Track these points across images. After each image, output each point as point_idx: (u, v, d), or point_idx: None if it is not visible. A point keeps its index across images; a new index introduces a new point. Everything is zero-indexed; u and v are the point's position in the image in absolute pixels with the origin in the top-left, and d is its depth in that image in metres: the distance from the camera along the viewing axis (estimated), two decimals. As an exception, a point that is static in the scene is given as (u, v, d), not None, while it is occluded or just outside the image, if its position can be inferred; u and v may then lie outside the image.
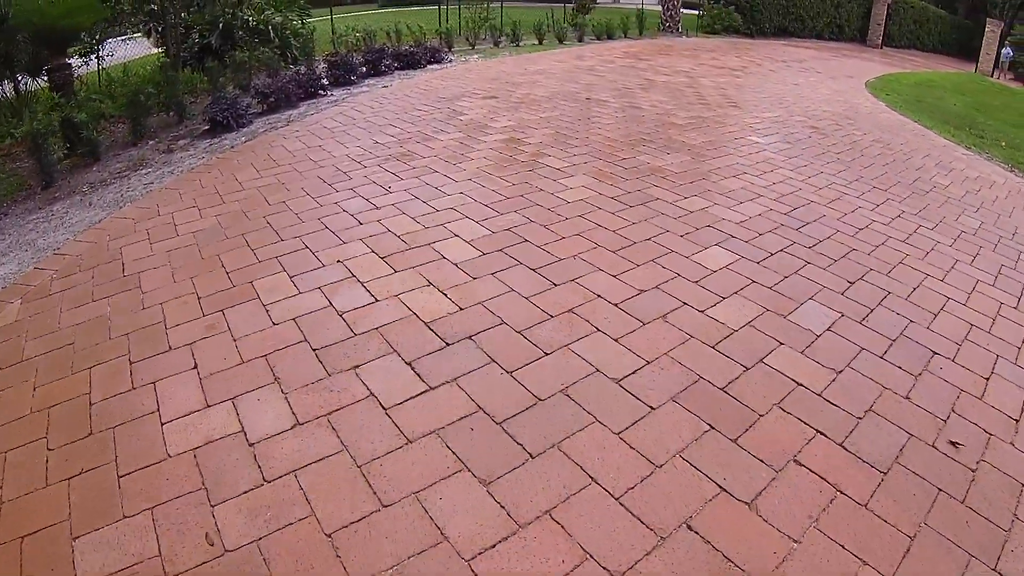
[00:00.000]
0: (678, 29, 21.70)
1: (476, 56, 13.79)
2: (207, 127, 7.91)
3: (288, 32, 12.13)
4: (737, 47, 19.57)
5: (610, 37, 18.92)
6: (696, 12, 25.01)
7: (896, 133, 9.51)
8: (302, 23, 13.41)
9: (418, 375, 3.16)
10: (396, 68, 11.98)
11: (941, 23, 32.33)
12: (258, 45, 10.95)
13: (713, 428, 2.87)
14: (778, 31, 25.63)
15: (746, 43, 21.52)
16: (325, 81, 10.36)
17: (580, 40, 17.95)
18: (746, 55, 17.34)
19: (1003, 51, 18.88)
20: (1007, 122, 14.20)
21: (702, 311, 3.80)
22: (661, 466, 2.64)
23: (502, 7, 19.36)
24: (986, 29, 25.95)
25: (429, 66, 12.46)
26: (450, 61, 13.03)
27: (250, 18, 11.28)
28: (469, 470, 2.58)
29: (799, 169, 6.84)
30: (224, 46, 10.76)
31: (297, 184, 5.75)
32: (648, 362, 3.30)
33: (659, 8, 22.33)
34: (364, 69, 11.40)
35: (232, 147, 7.12)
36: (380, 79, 11.04)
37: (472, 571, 2.18)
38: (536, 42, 16.94)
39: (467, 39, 15.48)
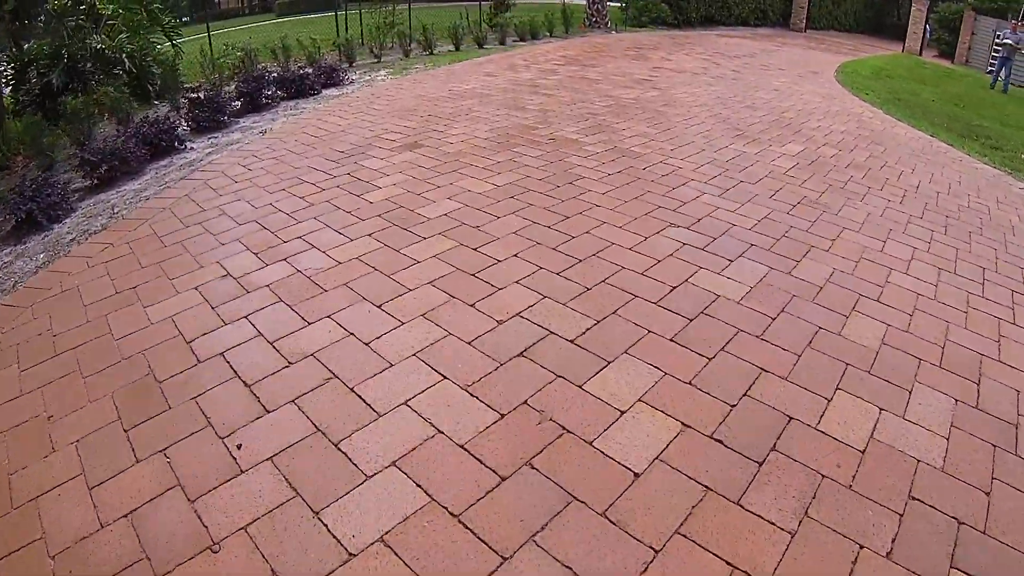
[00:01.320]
0: (606, 24, 18.97)
1: (384, 72, 10.62)
2: (13, 223, 4.68)
3: (149, 60, 8.78)
4: (676, 41, 16.99)
5: (535, 37, 16.00)
6: (618, 4, 22.38)
7: (944, 164, 7.07)
8: (173, 44, 10.00)
9: None
10: (282, 98, 8.77)
11: (857, 3, 31.04)
12: (106, 80, 7.60)
13: None
14: (704, 20, 23.33)
15: (680, 36, 18.99)
16: (185, 127, 7.12)
17: (502, 43, 14.95)
18: (693, 51, 14.76)
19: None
20: (994, 119, 12.17)
21: None
22: None
23: (410, 9, 16.13)
24: (912, 8, 24.40)
25: (325, 91, 9.25)
26: (351, 82, 9.83)
27: (101, 46, 7.88)
28: None
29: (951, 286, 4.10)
30: (71, 84, 7.40)
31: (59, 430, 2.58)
32: None
33: (583, 2, 19.54)
34: (239, 104, 8.17)
35: (17, 281, 3.88)
36: (260, 117, 7.81)
37: None
38: (453, 48, 13.87)
39: (371, 50, 12.28)
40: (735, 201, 4.99)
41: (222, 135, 7.02)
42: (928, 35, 25.59)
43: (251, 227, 4.34)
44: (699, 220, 4.58)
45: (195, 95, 7.48)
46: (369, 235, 4.16)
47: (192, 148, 6.54)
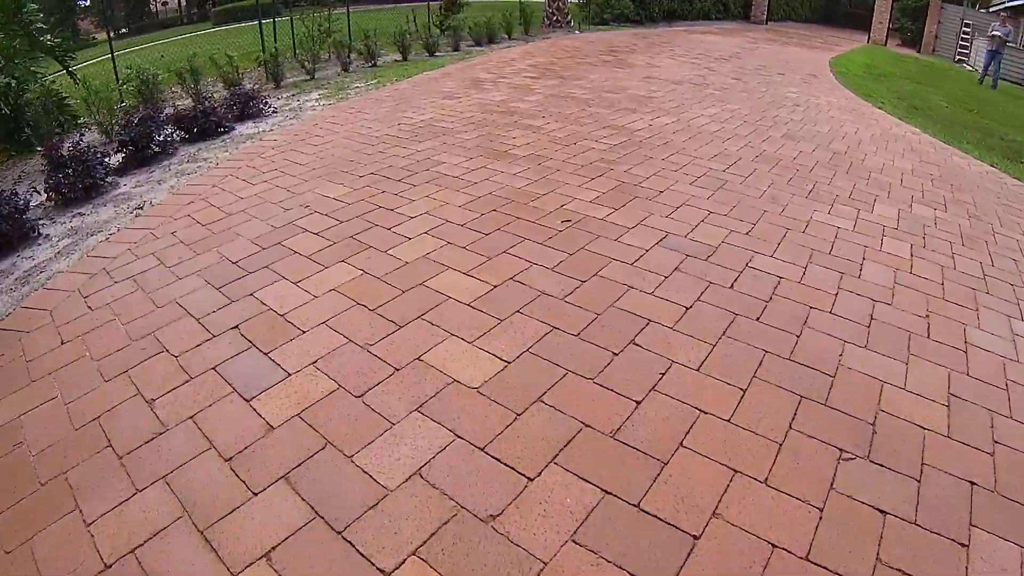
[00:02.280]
0: (568, 23, 16.74)
1: (316, 96, 8.19)
2: None
3: (25, 97, 6.38)
4: (648, 40, 14.87)
5: (492, 41, 13.67)
6: (576, 0, 20.17)
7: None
8: (68, 70, 7.45)
9: None
10: (183, 140, 6.39)
11: (812, -6, 29.71)
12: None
13: None
14: (667, 15, 21.32)
15: (649, 33, 16.89)
16: (42, 195, 4.78)
17: (456, 49, 12.58)
18: (673, 52, 12.65)
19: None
20: (1017, 127, 10.48)
21: None
22: None
23: (348, 14, 13.59)
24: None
25: (239, 127, 6.83)
26: (274, 112, 7.39)
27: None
28: None
29: None
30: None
31: None
32: None
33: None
34: (121, 157, 5.76)
35: None
36: (148, 174, 5.42)
37: None
38: (400, 57, 11.47)
39: (304, 65, 9.81)
40: (925, 383, 2.80)
41: (91, 209, 4.61)
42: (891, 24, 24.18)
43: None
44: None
45: (57, 153, 4.97)
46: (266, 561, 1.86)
47: (46, 238, 4.14)
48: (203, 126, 6.50)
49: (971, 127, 9.43)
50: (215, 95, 8.23)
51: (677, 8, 21.50)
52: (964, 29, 21.49)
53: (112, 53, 10.75)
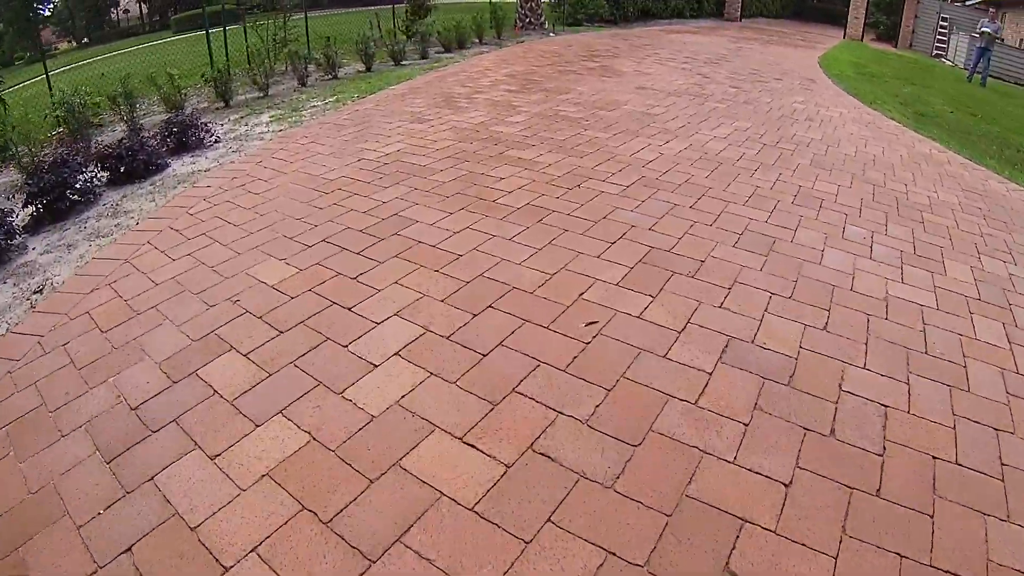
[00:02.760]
0: (542, 24, 15.65)
1: (267, 119, 7.00)
2: None
3: None
4: (628, 42, 13.86)
5: (462, 46, 12.54)
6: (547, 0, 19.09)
7: None
8: None
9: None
10: (108, 182, 5.25)
11: (782, -11, 29.04)
12: None
13: None
14: (641, 14, 20.34)
15: (627, 34, 15.89)
16: None
17: (424, 57, 11.42)
18: (658, 56, 11.64)
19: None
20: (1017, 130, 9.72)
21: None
22: None
23: (307, 19, 12.34)
24: (853, -5, 22.14)
25: (174, 163, 5.68)
26: (216, 143, 6.21)
27: None
28: None
29: None
30: None
31: None
32: None
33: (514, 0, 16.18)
34: (32, 211, 4.63)
35: None
36: (63, 232, 4.29)
37: None
38: (363, 68, 10.30)
39: (256, 80, 8.60)
40: None
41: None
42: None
43: None
44: None
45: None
46: None
47: None
48: (131, 166, 5.32)
49: (984, 137, 8.57)
50: (157, 118, 7.07)
51: (652, 7, 20.53)
52: (941, 23, 20.86)
53: (47, 73, 9.42)
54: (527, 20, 15.35)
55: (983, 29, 14.61)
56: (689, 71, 10.19)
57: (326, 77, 9.66)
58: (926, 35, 21.47)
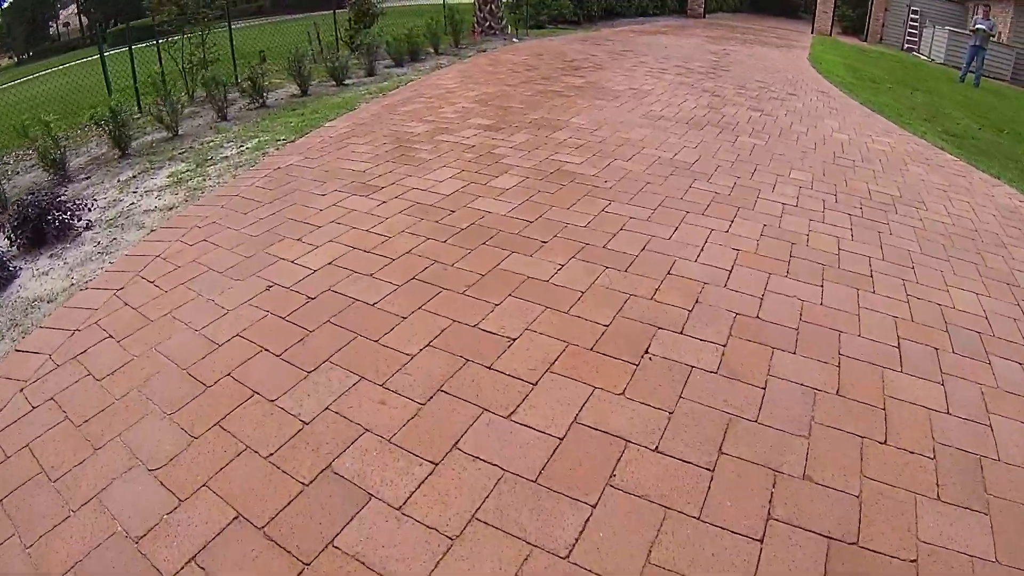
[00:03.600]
0: (504, 28, 13.54)
1: (162, 184, 4.74)
2: None
3: None
4: (602, 47, 11.85)
5: (416, 59, 10.38)
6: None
7: None
8: None
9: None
10: None
11: (742, -16, 27.46)
12: None
13: None
14: (606, 13, 18.39)
15: (598, 37, 13.87)
16: None
17: (371, 73, 9.23)
18: (642, 63, 9.66)
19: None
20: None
21: None
22: None
23: (231, 34, 9.95)
24: (822, -14, 20.55)
25: (25, 274, 3.51)
26: (86, 229, 4.04)
27: None
28: None
29: None
30: None
31: None
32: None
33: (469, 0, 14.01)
34: None
35: None
36: None
37: None
38: (298, 91, 8.08)
39: (163, 119, 6.29)
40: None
41: None
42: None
43: None
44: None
45: None
46: None
47: None
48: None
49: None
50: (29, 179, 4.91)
51: (616, 5, 18.59)
52: (911, 17, 19.41)
53: None
54: (487, 24, 13.22)
55: (977, 26, 13.06)
56: (692, 86, 8.23)
57: (252, 106, 7.43)
58: (896, 28, 20.01)
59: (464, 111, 6.40)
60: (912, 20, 19.35)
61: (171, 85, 7.46)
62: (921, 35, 18.92)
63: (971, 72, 13.41)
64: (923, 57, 17.80)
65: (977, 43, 13.05)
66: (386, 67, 9.82)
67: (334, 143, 5.37)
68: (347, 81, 8.75)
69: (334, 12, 11.80)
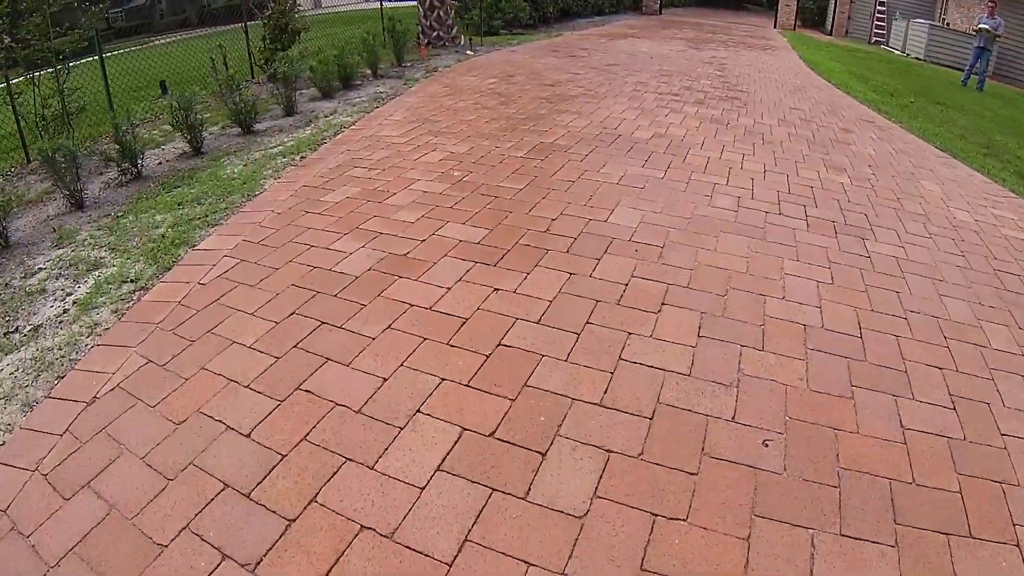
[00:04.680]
0: (455, 38, 10.92)
1: None
2: None
3: None
4: (579, 59, 9.41)
5: (348, 85, 7.77)
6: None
7: None
8: None
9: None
10: None
11: (692, -23, 25.41)
12: None
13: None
14: (561, 13, 15.94)
15: (562, 44, 11.38)
16: None
17: (290, 111, 6.59)
18: (638, 79, 7.27)
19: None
20: None
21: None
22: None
23: (103, 63, 6.97)
24: (785, -20, 18.56)
25: None
26: None
27: None
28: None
29: None
30: None
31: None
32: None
33: (411, 3, 11.31)
34: None
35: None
36: None
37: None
38: (188, 148, 5.42)
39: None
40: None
41: None
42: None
43: None
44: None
45: None
46: None
47: None
48: None
49: None
50: None
51: (572, 5, 16.16)
52: (879, 9, 17.63)
53: None
54: (434, 34, 10.58)
55: (981, 25, 11.22)
56: (727, 126, 5.88)
57: (122, 179, 4.76)
58: (862, 21, 18.22)
59: (426, 202, 3.87)
60: (879, 12, 17.59)
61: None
62: (890, 27, 17.19)
63: (974, 74, 11.61)
64: (896, 52, 16.05)
65: (981, 44, 11.24)
66: (311, 100, 7.20)
67: (202, 316, 2.78)
68: (257, 126, 6.14)
69: (245, 28, 8.93)
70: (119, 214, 4.00)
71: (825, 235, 3.60)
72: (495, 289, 2.84)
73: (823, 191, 4.30)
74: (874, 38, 17.76)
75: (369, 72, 8.41)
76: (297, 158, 4.88)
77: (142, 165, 4.89)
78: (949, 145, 6.15)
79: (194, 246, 3.40)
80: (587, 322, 2.60)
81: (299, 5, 8.78)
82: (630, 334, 2.53)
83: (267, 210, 3.81)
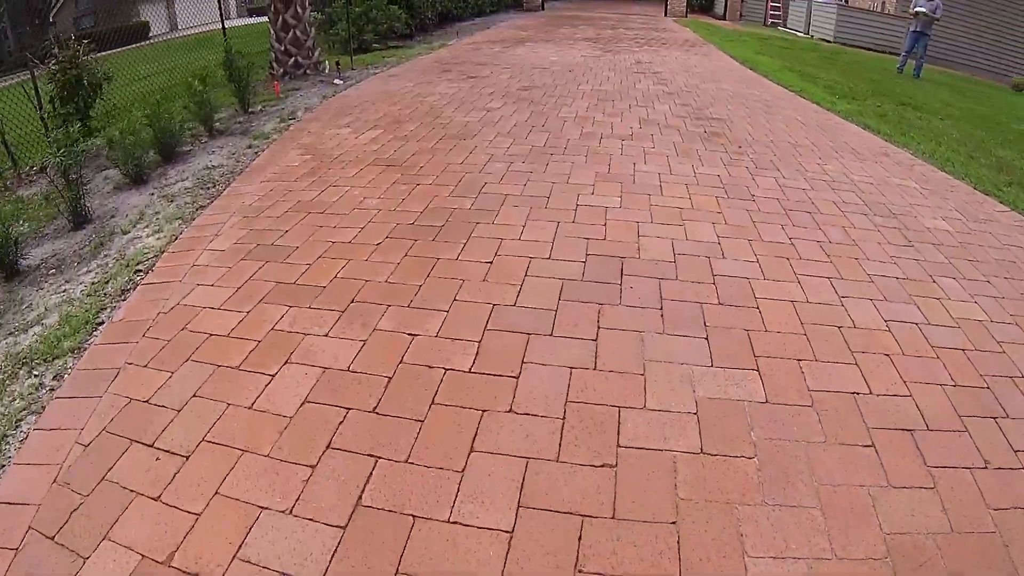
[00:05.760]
0: (317, 64, 8.58)
1: None
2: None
3: None
4: (480, 81, 7.42)
5: (170, 158, 5.34)
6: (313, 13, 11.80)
7: None
8: None
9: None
10: None
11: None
12: None
13: None
14: (441, 17, 13.89)
15: (453, 60, 9.32)
16: None
17: (80, 222, 4.18)
18: (573, 111, 5.38)
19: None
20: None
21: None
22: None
23: None
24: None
25: None
26: None
27: None
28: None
29: None
30: None
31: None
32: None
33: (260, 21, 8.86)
34: None
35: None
36: None
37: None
38: None
39: None
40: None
41: None
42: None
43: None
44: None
45: None
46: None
47: None
48: None
49: None
50: None
51: (453, 8, 14.15)
52: (908, 10, 16.94)
53: None
54: (291, 61, 8.22)
55: (918, 9, 10.36)
56: (750, 199, 4.11)
57: None
58: (757, 4, 17.43)
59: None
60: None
61: None
62: (787, 9, 16.46)
63: (911, 60, 10.77)
64: (800, 34, 15.30)
65: (918, 28, 10.45)
66: (116, 188, 4.81)
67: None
68: (26, 261, 3.78)
69: (35, 84, 6.10)
70: None
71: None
72: None
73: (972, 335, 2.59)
74: (770, 20, 17.03)
75: (204, 131, 6.03)
76: (48, 376, 2.58)
77: None
78: (969, 172, 4.76)
79: None
80: None
81: (92, 49, 6.14)
82: None
83: None
